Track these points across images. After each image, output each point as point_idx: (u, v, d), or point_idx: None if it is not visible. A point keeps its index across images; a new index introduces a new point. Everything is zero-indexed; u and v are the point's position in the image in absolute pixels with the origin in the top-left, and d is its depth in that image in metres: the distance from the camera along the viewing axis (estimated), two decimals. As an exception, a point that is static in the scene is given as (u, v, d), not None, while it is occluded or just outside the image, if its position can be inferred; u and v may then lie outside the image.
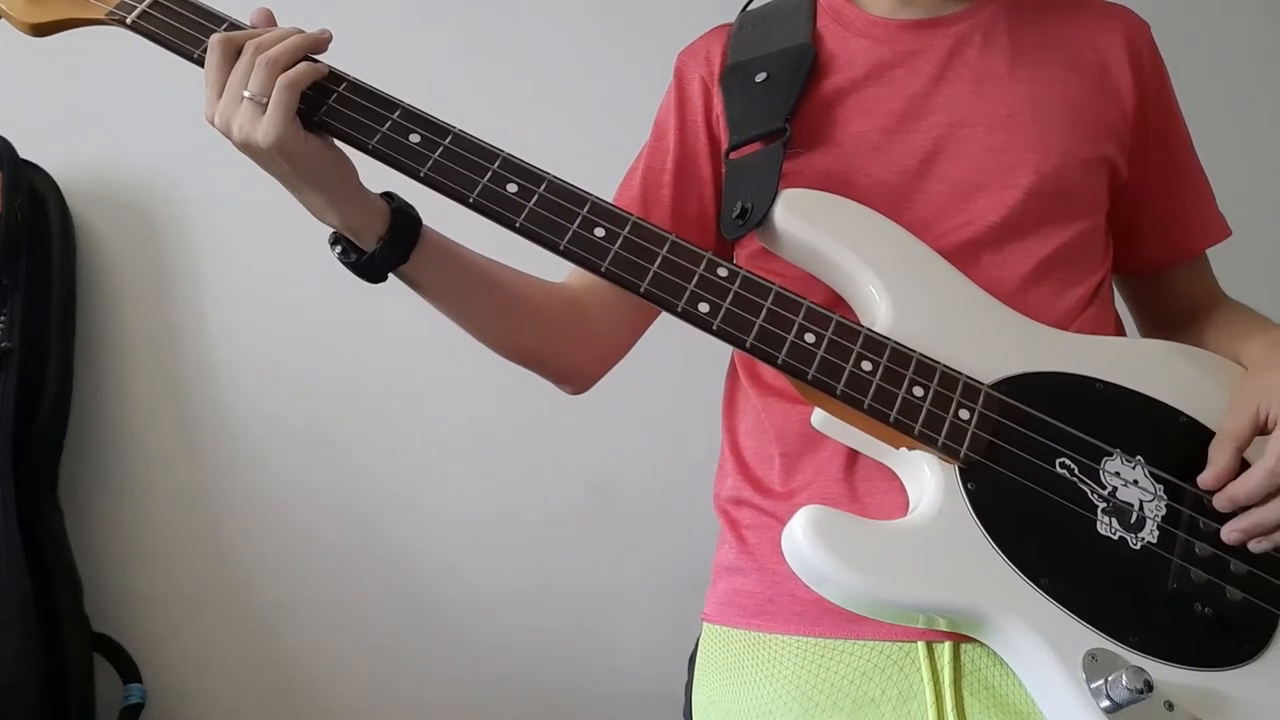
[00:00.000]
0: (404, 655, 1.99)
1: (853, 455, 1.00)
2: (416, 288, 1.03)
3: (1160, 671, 0.87)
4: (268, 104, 0.89)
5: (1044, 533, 0.93)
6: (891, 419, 0.93)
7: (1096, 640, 0.88)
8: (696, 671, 1.09)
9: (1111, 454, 0.96)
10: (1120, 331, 1.14)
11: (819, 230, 1.01)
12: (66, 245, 1.91)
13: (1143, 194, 1.13)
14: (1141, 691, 0.83)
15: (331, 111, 0.94)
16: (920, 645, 0.94)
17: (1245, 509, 0.94)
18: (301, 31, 0.94)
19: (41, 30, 1.00)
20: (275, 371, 1.98)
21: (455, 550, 2.00)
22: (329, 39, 0.95)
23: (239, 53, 0.91)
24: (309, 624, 1.98)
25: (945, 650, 0.93)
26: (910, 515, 0.94)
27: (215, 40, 0.92)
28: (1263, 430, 0.96)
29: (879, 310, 0.99)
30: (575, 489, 1.99)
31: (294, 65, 0.91)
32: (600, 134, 1.88)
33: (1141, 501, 0.95)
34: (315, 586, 1.98)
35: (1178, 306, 1.20)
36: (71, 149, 1.93)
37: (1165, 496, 0.96)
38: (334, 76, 0.95)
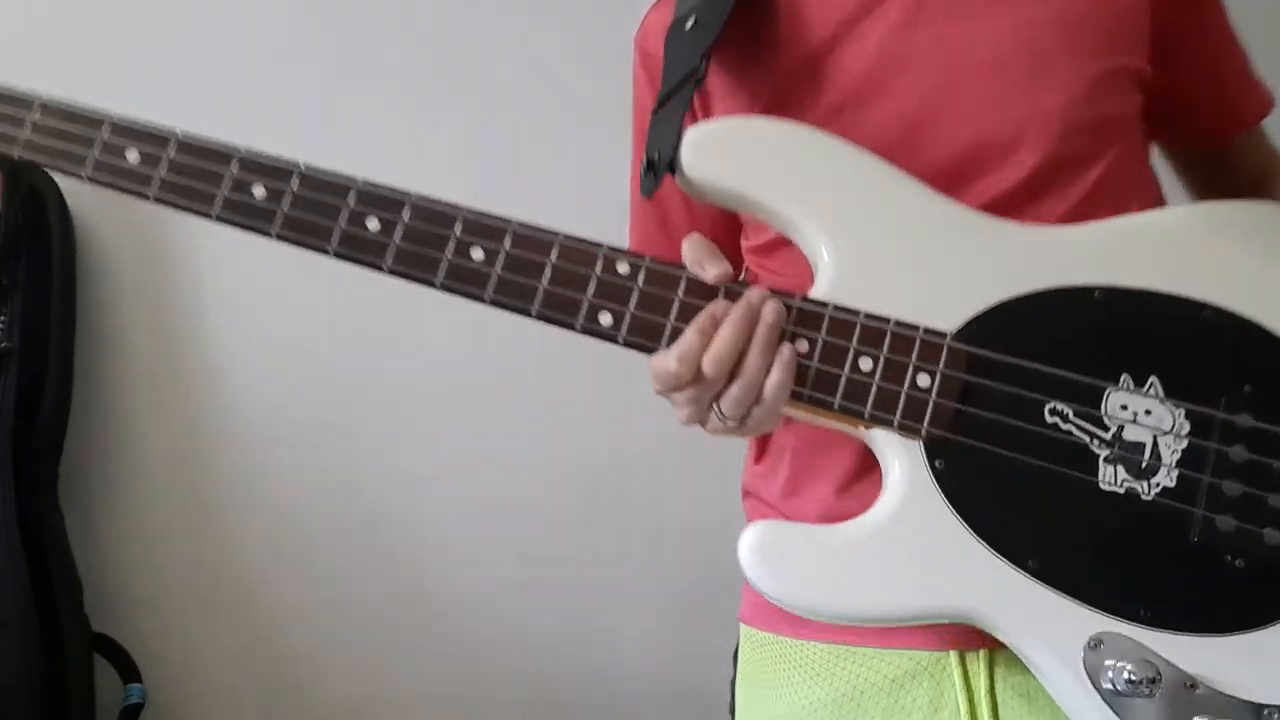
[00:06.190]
0: (404, 655, 1.99)
1: (860, 463, 0.91)
2: None
3: (1177, 646, 0.75)
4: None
5: (1030, 505, 0.80)
6: (836, 405, 0.81)
7: (1099, 623, 0.77)
8: (737, 672, 1.06)
9: (1116, 383, 0.80)
10: None
11: (736, 168, 0.84)
12: (66, 245, 1.90)
13: (1177, 79, 0.96)
14: (1154, 680, 0.74)
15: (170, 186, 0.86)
16: (953, 654, 0.88)
17: None
18: (752, 324, 0.81)
19: None
20: (275, 372, 1.98)
21: (456, 551, 1.99)
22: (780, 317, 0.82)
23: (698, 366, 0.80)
24: (309, 624, 1.97)
25: (980, 658, 0.88)
26: (872, 509, 0.82)
27: (673, 367, 0.81)
28: None
29: (821, 259, 0.84)
30: (575, 489, 1.98)
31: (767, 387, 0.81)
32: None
33: (1156, 437, 0.79)
34: (315, 586, 1.97)
35: (1240, 176, 1.05)
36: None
37: (1187, 424, 0.79)
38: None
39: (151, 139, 0.86)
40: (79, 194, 1.93)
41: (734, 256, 1.02)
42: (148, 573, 1.95)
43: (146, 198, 0.86)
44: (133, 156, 0.86)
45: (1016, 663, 0.84)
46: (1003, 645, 0.82)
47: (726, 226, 1.03)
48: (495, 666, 1.99)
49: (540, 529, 1.98)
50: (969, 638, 0.87)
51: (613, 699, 1.98)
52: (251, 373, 1.98)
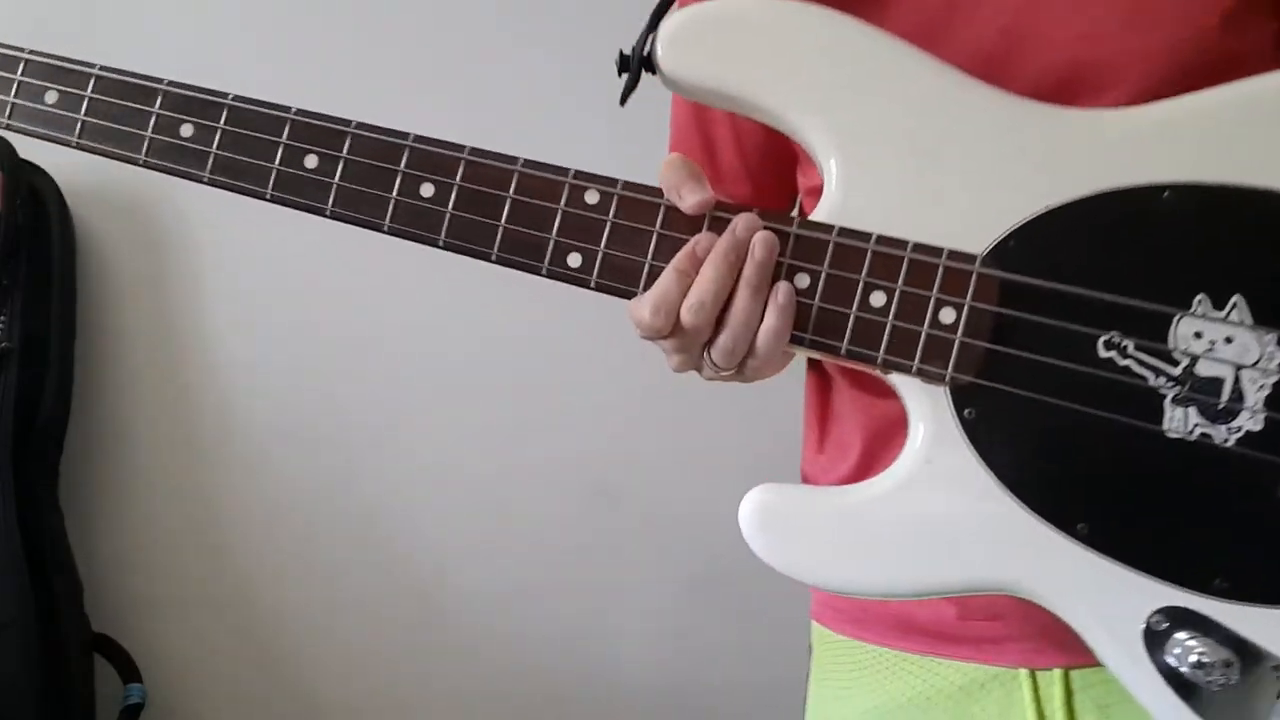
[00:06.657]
0: (404, 655, 1.96)
1: None
2: None
3: (1259, 621, 0.63)
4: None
5: (1080, 459, 0.67)
6: (843, 350, 0.70)
7: (1163, 595, 0.64)
8: (811, 668, 1.00)
9: (1188, 307, 0.65)
10: None
11: (721, 61, 0.70)
12: (66, 245, 1.89)
13: None
14: (1229, 664, 0.63)
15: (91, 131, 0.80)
16: (1023, 673, 0.82)
17: None
18: (736, 261, 0.69)
19: None
20: (275, 372, 1.95)
21: (456, 551, 1.96)
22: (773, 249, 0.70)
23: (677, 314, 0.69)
24: (309, 624, 1.95)
25: (1055, 677, 0.81)
26: (893, 466, 0.72)
27: (646, 318, 0.71)
28: None
29: (830, 171, 0.71)
30: (575, 484, 1.94)
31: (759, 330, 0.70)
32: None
33: (1238, 371, 0.65)
34: (315, 586, 1.95)
35: None
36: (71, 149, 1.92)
37: (1279, 353, 0.65)
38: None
39: (70, 76, 0.79)
40: (79, 194, 1.92)
41: (791, 194, 0.91)
42: (148, 573, 1.93)
43: (70, 145, 0.80)
44: (51, 98, 0.79)
45: (1096, 674, 0.75)
46: (1082, 659, 0.71)
47: (780, 157, 0.89)
48: (494, 661, 1.96)
49: (540, 524, 1.95)
50: (1041, 655, 0.80)
51: (611, 693, 1.95)
52: (252, 372, 1.96)
